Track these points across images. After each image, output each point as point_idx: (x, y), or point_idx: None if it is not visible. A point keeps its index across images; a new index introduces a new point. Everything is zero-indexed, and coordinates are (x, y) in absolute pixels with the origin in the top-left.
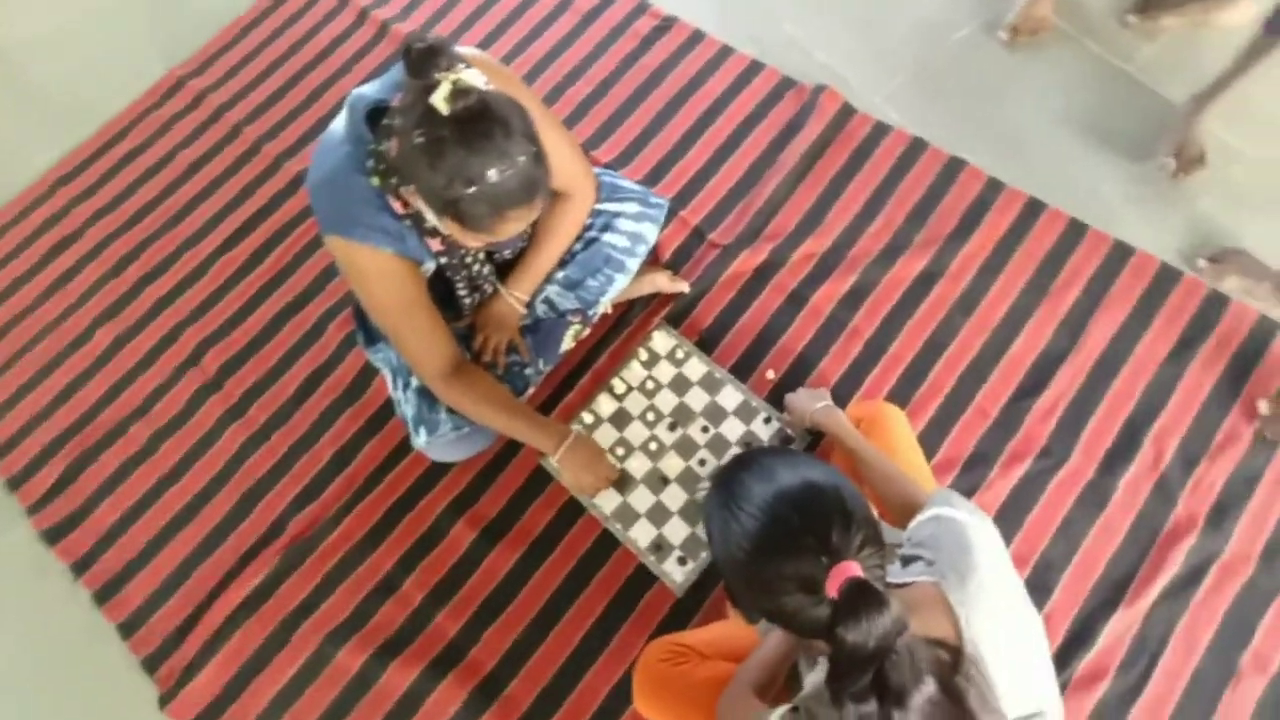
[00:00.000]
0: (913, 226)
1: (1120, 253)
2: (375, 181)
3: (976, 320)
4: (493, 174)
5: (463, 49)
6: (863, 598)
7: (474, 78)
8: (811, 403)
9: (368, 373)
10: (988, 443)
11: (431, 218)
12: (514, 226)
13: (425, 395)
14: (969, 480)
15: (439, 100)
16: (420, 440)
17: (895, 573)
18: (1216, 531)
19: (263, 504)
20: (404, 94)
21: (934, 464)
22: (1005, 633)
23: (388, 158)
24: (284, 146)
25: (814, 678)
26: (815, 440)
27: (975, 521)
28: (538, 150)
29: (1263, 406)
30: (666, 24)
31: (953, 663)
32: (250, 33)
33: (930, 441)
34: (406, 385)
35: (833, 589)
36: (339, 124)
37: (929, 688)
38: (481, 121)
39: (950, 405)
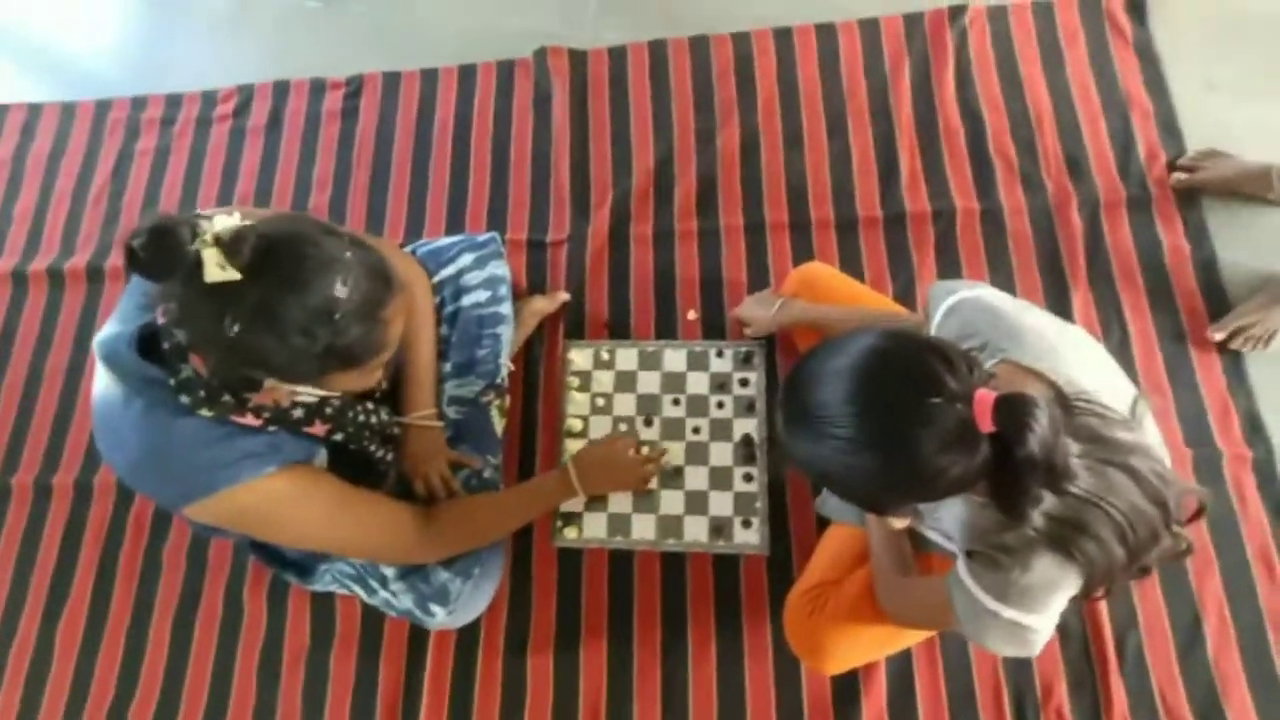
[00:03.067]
0: (706, 114)
1: (870, 30)
2: (206, 413)
3: (810, 151)
4: (339, 289)
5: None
6: (1018, 408)
7: (227, 221)
8: (767, 309)
9: (321, 602)
10: (894, 240)
11: (309, 394)
12: (398, 325)
13: (411, 575)
14: (904, 280)
15: (217, 271)
16: (440, 618)
17: None
18: (1080, 179)
19: None
20: (164, 302)
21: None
22: (1075, 356)
23: (200, 380)
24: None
25: (954, 523)
26: (770, 343)
27: (979, 290)
28: (352, 237)
29: None
30: (353, 85)
31: (1066, 411)
32: None
33: (855, 272)
34: (383, 582)
35: (987, 424)
36: (108, 387)
37: (1071, 446)
38: (280, 252)
39: (845, 232)
